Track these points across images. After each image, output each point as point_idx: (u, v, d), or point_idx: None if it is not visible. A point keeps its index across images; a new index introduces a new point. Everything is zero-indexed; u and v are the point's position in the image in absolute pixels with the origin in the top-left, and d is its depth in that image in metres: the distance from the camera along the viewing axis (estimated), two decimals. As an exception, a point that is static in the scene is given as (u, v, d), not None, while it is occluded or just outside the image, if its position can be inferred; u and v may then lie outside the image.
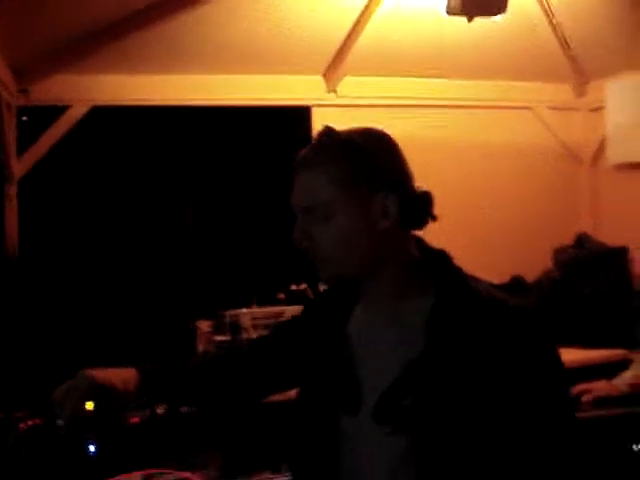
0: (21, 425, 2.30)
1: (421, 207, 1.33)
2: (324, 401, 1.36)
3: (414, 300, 1.31)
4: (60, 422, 1.26)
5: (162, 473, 1.81)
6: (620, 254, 3.56)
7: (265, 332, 3.11)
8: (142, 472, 1.81)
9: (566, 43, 3.59)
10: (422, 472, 1.22)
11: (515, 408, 1.21)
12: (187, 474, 1.81)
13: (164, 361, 1.50)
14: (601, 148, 4.01)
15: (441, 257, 1.36)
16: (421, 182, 1.34)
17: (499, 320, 1.24)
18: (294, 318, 1.60)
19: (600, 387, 2.57)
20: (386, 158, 1.32)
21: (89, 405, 1.28)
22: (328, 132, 1.35)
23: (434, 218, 1.34)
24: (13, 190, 3.38)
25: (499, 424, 1.20)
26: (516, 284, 3.72)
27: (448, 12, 2.81)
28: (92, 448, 1.96)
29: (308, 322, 1.51)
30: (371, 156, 1.30)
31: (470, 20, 2.81)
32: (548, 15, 3.44)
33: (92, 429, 1.29)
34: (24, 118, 3.39)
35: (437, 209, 1.34)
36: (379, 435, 1.25)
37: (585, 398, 2.51)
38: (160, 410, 2.38)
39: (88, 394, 1.30)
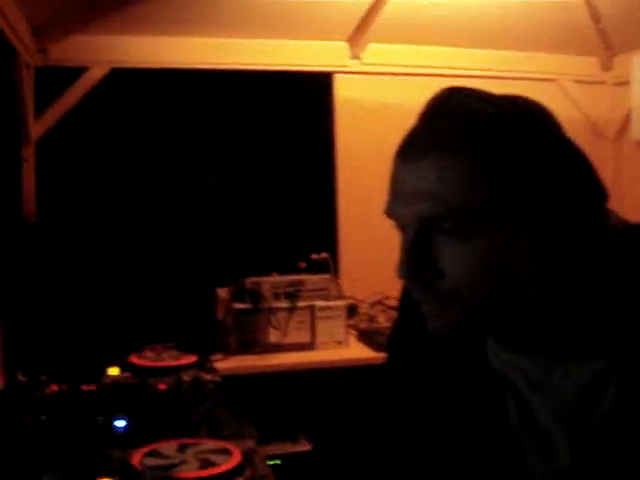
0: (46, 390, 2.28)
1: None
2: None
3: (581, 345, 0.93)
4: None
5: (196, 444, 1.78)
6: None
7: (284, 301, 3.15)
8: (177, 441, 1.78)
9: (597, 15, 3.51)
10: None
11: None
12: (224, 443, 1.78)
13: None
14: (626, 123, 3.94)
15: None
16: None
17: None
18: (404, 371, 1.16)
19: None
20: (562, 143, 0.94)
21: None
22: (458, 98, 0.91)
23: None
24: (30, 152, 3.34)
25: None
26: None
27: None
28: (121, 423, 1.92)
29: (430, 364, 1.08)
30: (544, 139, 0.91)
31: (507, -13, 2.73)
32: (581, -15, 3.36)
33: None
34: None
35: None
36: None
37: None
38: (187, 377, 2.37)
39: None
